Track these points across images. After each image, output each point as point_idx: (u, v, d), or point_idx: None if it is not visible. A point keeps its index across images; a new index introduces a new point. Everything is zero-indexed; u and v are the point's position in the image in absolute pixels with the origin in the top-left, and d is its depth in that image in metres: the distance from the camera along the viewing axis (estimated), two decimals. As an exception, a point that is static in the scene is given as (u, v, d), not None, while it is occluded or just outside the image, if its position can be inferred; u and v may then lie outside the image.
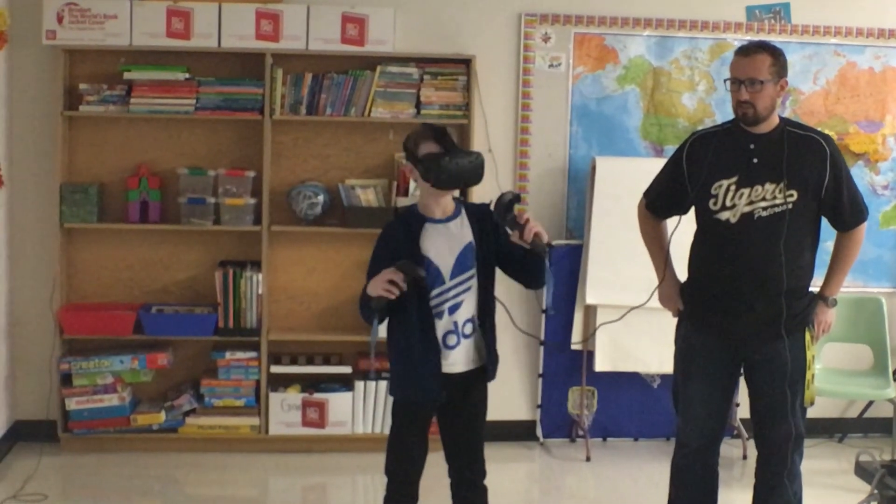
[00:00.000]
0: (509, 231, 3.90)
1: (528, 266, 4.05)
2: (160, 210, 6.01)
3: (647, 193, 4.50)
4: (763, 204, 4.11)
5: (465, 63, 6.06)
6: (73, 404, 5.91)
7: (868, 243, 6.25)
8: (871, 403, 6.50)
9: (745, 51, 4.14)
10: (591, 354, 6.20)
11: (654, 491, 5.66)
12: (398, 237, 4.06)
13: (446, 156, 3.95)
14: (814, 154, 4.14)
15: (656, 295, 4.53)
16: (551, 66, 6.23)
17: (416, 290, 3.98)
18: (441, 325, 4.05)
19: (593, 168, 6.08)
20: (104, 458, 5.89)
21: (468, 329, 4.07)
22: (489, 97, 6.16)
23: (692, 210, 4.36)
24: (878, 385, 6.05)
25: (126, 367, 5.94)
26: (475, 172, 4.00)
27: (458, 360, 4.09)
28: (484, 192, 5.95)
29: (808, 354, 4.22)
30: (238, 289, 5.96)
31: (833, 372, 6.24)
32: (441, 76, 6.04)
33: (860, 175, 6.39)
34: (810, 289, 4.29)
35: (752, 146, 4.16)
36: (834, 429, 6.58)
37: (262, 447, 6.05)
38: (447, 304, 4.05)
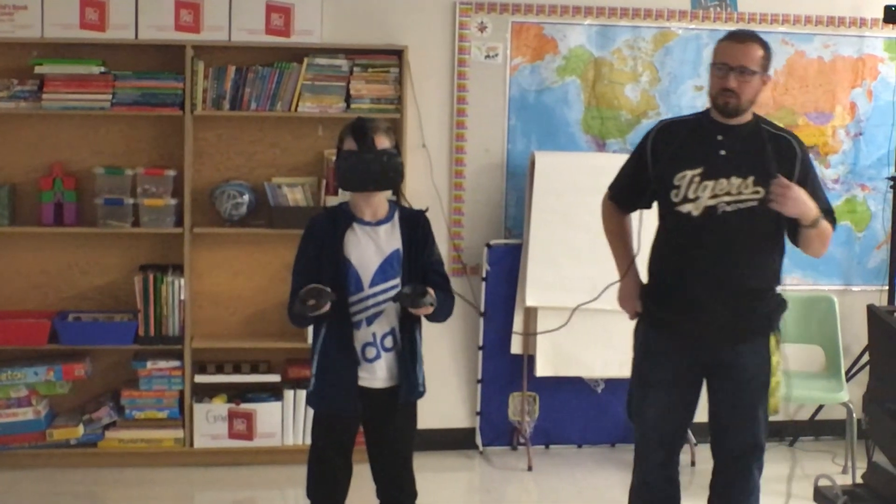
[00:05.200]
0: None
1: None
2: (76, 212, 5.78)
3: (611, 185, 4.30)
4: (727, 198, 3.92)
5: (397, 54, 5.84)
6: (-16, 419, 5.70)
7: (819, 239, 6.13)
8: (822, 406, 6.32)
9: (740, 37, 3.96)
10: (531, 359, 6.02)
11: (598, 500, 5.55)
12: (323, 233, 3.91)
13: (353, 155, 3.79)
14: (784, 153, 3.98)
15: (606, 294, 4.38)
16: (488, 56, 6.02)
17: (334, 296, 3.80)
18: (359, 336, 3.88)
19: (532, 163, 5.89)
20: (19, 475, 5.66)
21: (388, 342, 3.90)
22: (423, 90, 5.93)
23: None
24: (830, 388, 5.85)
25: (41, 379, 5.73)
26: (385, 175, 3.82)
27: (379, 374, 3.92)
28: (419, 190, 5.86)
29: (773, 360, 4.06)
30: (159, 294, 5.76)
31: (783, 374, 6.04)
32: (372, 68, 5.82)
33: (810, 169, 6.23)
34: (778, 291, 4.13)
35: (719, 138, 3.98)
36: (784, 432, 6.39)
37: (186, 461, 5.84)
38: (366, 314, 3.88)
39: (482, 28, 6.00)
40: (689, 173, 3.95)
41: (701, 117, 4.09)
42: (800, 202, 3.83)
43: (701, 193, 3.93)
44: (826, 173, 6.29)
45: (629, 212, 4.29)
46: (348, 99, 5.81)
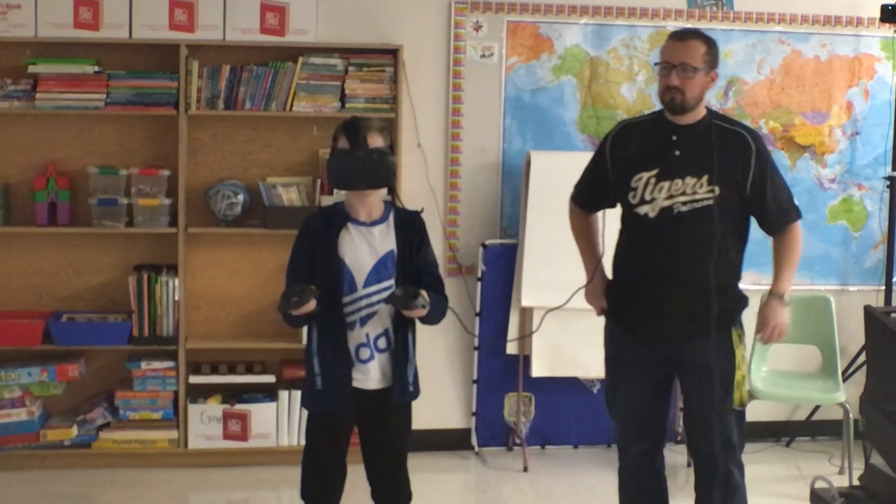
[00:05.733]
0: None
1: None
2: (69, 212, 5.74)
3: (574, 186, 4.37)
4: (683, 198, 3.96)
5: (393, 53, 5.81)
6: (-22, 420, 5.66)
7: (815, 239, 6.14)
8: (819, 406, 6.29)
9: (680, 35, 4.03)
10: (527, 359, 5.98)
11: (594, 500, 5.52)
12: (317, 233, 3.89)
13: (345, 154, 3.80)
14: (738, 149, 3.99)
15: (583, 294, 4.39)
16: (483, 56, 5.99)
17: (328, 296, 3.80)
18: (353, 337, 3.87)
19: (528, 163, 5.86)
20: (12, 477, 5.63)
21: (382, 343, 3.87)
22: (418, 89, 5.91)
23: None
24: (826, 388, 5.81)
25: (35, 380, 5.69)
26: (376, 174, 3.81)
27: (372, 375, 3.90)
28: (414, 190, 5.86)
29: (738, 354, 4.06)
30: (154, 294, 5.72)
31: (780, 374, 6.03)
32: (367, 67, 5.79)
33: (806, 168, 6.22)
34: (738, 288, 4.14)
35: (674, 138, 4.02)
36: (781, 432, 6.39)
37: (181, 462, 5.81)
38: (359, 315, 3.86)
39: (478, 27, 5.97)
40: (645, 175, 4.00)
41: (657, 117, 4.13)
42: (787, 321, 4.08)
43: (657, 195, 3.98)
44: (822, 173, 6.28)
45: (593, 212, 4.35)
46: (343, 98, 5.78)
